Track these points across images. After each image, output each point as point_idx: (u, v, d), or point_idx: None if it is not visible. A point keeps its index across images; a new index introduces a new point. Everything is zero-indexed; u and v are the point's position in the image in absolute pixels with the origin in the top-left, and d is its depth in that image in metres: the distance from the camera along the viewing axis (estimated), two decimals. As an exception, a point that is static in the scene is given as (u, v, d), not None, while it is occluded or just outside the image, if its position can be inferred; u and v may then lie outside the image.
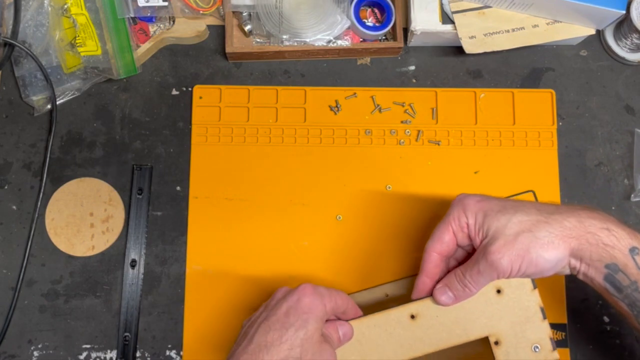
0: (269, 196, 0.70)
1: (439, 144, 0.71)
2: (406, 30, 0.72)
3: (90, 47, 0.68)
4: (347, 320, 0.57)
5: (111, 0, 0.69)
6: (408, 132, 0.71)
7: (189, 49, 0.74)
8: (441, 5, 0.70)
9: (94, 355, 0.67)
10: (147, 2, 0.69)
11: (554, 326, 0.67)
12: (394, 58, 0.74)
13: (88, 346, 0.67)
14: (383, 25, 0.71)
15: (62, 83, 0.71)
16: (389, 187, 0.70)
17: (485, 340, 0.56)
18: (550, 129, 0.72)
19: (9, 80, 0.72)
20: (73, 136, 0.72)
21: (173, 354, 0.67)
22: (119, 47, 0.69)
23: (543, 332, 0.55)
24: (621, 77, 0.73)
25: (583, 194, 0.71)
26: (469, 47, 0.68)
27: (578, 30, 0.70)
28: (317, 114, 0.72)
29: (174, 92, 0.73)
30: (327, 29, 0.70)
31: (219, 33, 0.74)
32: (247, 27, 0.71)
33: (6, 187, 0.70)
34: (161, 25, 0.72)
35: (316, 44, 0.70)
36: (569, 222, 0.52)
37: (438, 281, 0.56)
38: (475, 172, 0.70)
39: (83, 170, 0.71)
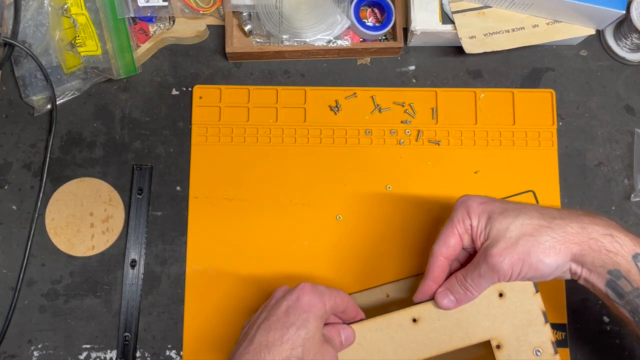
0: (269, 196, 0.70)
1: (439, 144, 0.71)
2: (406, 30, 0.72)
3: (90, 47, 0.68)
4: (347, 321, 0.57)
5: (111, 0, 0.69)
6: (408, 132, 0.71)
7: (189, 49, 0.74)
8: (441, 5, 0.70)
9: (94, 355, 0.67)
10: (147, 2, 0.69)
11: (554, 326, 0.67)
12: (394, 58, 0.74)
13: (88, 346, 0.67)
14: (383, 25, 0.71)
15: (62, 83, 0.71)
16: (389, 187, 0.70)
17: (487, 344, 0.56)
18: (550, 129, 0.72)
19: (9, 80, 0.73)
20: (73, 136, 0.72)
21: (173, 354, 0.67)
22: (119, 47, 0.69)
23: (545, 336, 0.55)
24: (621, 77, 0.74)
25: (583, 194, 0.71)
26: (469, 47, 0.68)
27: (578, 30, 0.70)
28: (317, 114, 0.72)
29: (174, 92, 0.73)
30: (327, 29, 0.70)
31: (219, 33, 0.74)
32: (247, 27, 0.71)
33: (6, 187, 0.70)
34: (161, 25, 0.72)
35: (316, 44, 0.70)
36: (572, 228, 0.52)
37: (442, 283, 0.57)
38: (475, 172, 0.70)
39: (83, 170, 0.71)
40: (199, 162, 0.71)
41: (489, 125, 0.71)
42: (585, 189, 0.71)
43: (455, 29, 0.69)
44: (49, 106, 0.71)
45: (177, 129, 0.72)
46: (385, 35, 0.72)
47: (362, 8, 0.72)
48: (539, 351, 0.55)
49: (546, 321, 0.55)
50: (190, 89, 0.73)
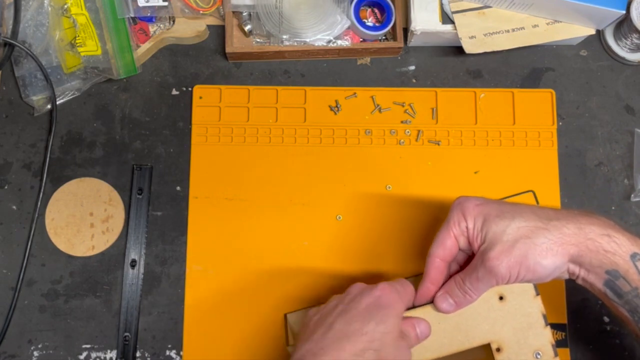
0: (269, 196, 0.70)
1: (439, 144, 0.71)
2: (406, 30, 0.72)
3: (90, 47, 0.68)
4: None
5: (111, 0, 0.69)
6: (408, 132, 0.71)
7: (189, 49, 0.74)
8: (441, 5, 0.70)
9: (94, 355, 0.67)
10: (147, 2, 0.69)
11: (554, 326, 0.67)
12: (394, 58, 0.74)
13: (88, 346, 0.67)
14: (383, 25, 0.71)
15: (62, 83, 0.71)
16: (389, 187, 0.70)
17: (487, 347, 0.56)
18: (550, 129, 0.72)
19: (9, 80, 0.73)
20: (73, 136, 0.72)
21: (173, 354, 0.67)
22: (119, 47, 0.69)
23: (545, 338, 0.55)
24: (621, 77, 0.74)
25: (583, 194, 0.71)
26: (469, 47, 0.68)
27: (578, 30, 0.70)
28: (317, 114, 0.72)
29: (174, 92, 0.73)
30: (327, 29, 0.70)
31: (219, 33, 0.74)
32: (247, 27, 0.71)
33: (6, 187, 0.70)
34: (161, 25, 0.72)
35: (316, 44, 0.70)
36: (568, 229, 0.52)
37: (441, 286, 0.56)
38: (475, 172, 0.70)
39: (83, 170, 0.71)
40: (199, 162, 0.71)
41: (489, 125, 0.71)
42: (585, 189, 0.71)
43: (455, 29, 0.69)
44: (49, 106, 0.71)
45: (177, 129, 0.72)
46: (385, 35, 0.72)
47: (362, 8, 0.72)
48: (539, 354, 0.55)
49: (546, 324, 0.55)
50: (190, 89, 0.73)
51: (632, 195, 0.70)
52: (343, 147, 0.71)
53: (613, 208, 0.70)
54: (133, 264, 0.68)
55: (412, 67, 0.73)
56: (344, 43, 0.71)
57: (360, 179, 0.70)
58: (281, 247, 0.69)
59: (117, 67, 0.69)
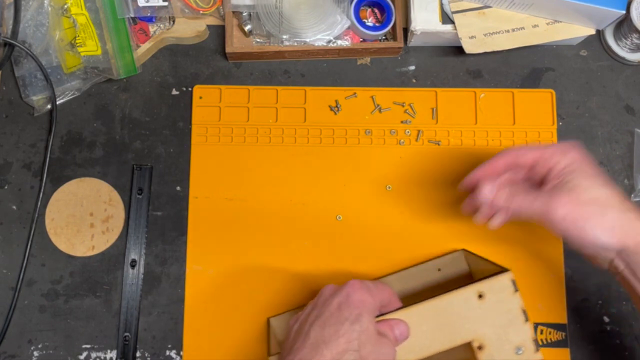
0: (269, 196, 0.70)
1: (439, 144, 0.71)
2: (406, 30, 0.72)
3: (90, 47, 0.69)
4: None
5: (111, 0, 0.69)
6: (408, 132, 0.71)
7: (189, 49, 0.74)
8: (441, 5, 0.70)
9: (94, 355, 0.67)
10: (147, 2, 0.69)
11: (554, 326, 0.67)
12: (394, 58, 0.74)
13: (88, 346, 0.67)
14: (383, 25, 0.71)
15: (62, 83, 0.71)
16: (389, 187, 0.70)
17: (469, 346, 0.55)
18: (550, 129, 0.72)
19: (9, 80, 0.73)
20: (73, 136, 0.72)
21: (173, 354, 0.67)
22: (119, 47, 0.69)
23: (526, 334, 0.55)
24: (621, 77, 0.74)
25: (583, 194, 0.71)
26: (469, 47, 0.68)
27: (578, 30, 0.70)
28: (317, 114, 0.72)
29: (174, 92, 0.73)
30: (327, 29, 0.70)
31: (219, 33, 0.74)
32: (247, 27, 0.71)
33: (6, 187, 0.70)
34: (161, 25, 0.72)
35: (316, 44, 0.70)
36: (638, 225, 0.52)
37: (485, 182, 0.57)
38: (475, 172, 0.70)
39: (83, 170, 0.71)
40: (199, 162, 0.71)
41: (489, 125, 0.71)
42: (585, 189, 0.71)
43: (455, 29, 0.69)
44: (49, 106, 0.71)
45: (177, 129, 0.72)
46: (385, 35, 0.72)
47: (362, 8, 0.72)
48: (520, 350, 0.55)
49: (526, 319, 0.55)
50: (190, 89, 0.73)
51: (632, 195, 0.70)
52: (343, 147, 0.71)
53: (613, 208, 0.70)
54: (133, 264, 0.68)
55: (412, 67, 0.73)
56: (344, 43, 0.71)
57: (360, 179, 0.70)
58: (281, 247, 0.69)
59: (117, 67, 0.69)
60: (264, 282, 0.68)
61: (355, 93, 0.72)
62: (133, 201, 0.70)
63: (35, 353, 0.67)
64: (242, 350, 0.67)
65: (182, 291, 0.68)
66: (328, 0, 0.70)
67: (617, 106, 0.73)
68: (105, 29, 0.69)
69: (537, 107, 0.72)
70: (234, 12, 0.71)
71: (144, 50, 0.71)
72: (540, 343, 0.67)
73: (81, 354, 0.67)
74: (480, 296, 0.55)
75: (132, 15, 0.70)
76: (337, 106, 0.72)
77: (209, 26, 0.73)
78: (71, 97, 0.72)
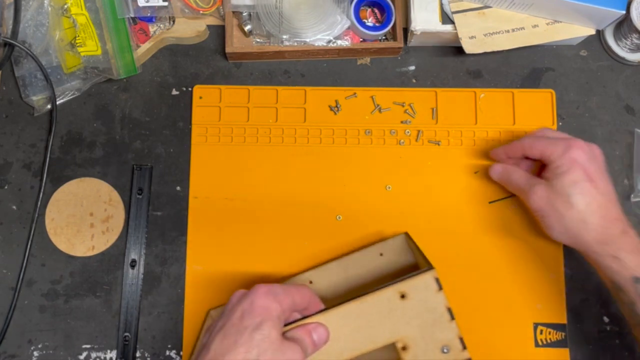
0: (269, 196, 0.70)
1: (439, 144, 0.71)
2: (406, 30, 0.72)
3: (90, 47, 0.69)
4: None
5: (111, 0, 0.69)
6: (408, 132, 0.71)
7: (189, 49, 0.74)
8: (441, 5, 0.70)
9: (94, 355, 0.67)
10: (147, 2, 0.69)
11: (554, 326, 0.67)
12: (394, 58, 0.74)
13: (88, 346, 0.67)
14: (383, 25, 0.71)
15: (62, 83, 0.71)
16: (389, 187, 0.70)
17: (394, 346, 0.54)
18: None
19: (9, 80, 0.73)
20: (73, 136, 0.72)
21: (173, 354, 0.67)
22: (119, 47, 0.69)
23: (452, 332, 0.54)
24: (621, 77, 0.74)
25: (583, 194, 0.71)
26: (469, 47, 0.68)
27: (578, 30, 0.70)
28: (317, 114, 0.72)
29: (174, 92, 0.73)
30: (327, 29, 0.70)
31: (219, 33, 0.74)
32: (247, 27, 0.71)
33: (6, 187, 0.70)
34: (161, 25, 0.72)
35: (316, 44, 0.70)
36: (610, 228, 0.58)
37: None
38: (476, 172, 0.70)
39: (83, 170, 0.71)
40: (199, 162, 0.71)
41: (489, 125, 0.71)
42: (585, 189, 0.71)
43: (455, 29, 0.69)
44: (49, 106, 0.71)
45: (177, 129, 0.72)
46: (385, 35, 0.72)
47: (362, 8, 0.72)
48: (446, 348, 0.54)
49: (452, 318, 0.54)
50: (190, 89, 0.73)
51: (632, 195, 0.70)
52: (343, 147, 0.71)
53: (613, 208, 0.70)
54: (133, 264, 0.69)
55: (412, 67, 0.73)
56: (344, 43, 0.71)
57: (360, 179, 0.70)
58: (281, 247, 0.69)
59: (117, 67, 0.69)
60: (264, 282, 0.68)
61: (355, 93, 0.72)
62: (133, 201, 0.70)
63: (35, 353, 0.67)
64: (242, 350, 0.67)
65: (182, 291, 0.68)
66: (328, 0, 0.70)
67: (617, 106, 0.73)
68: (105, 29, 0.69)
69: (537, 107, 0.72)
70: (234, 12, 0.71)
71: (144, 50, 0.71)
72: (540, 343, 0.67)
73: (81, 354, 0.67)
74: (402, 296, 0.54)
75: (132, 15, 0.70)
76: (337, 106, 0.72)
77: (209, 26, 0.73)
78: (71, 97, 0.72)
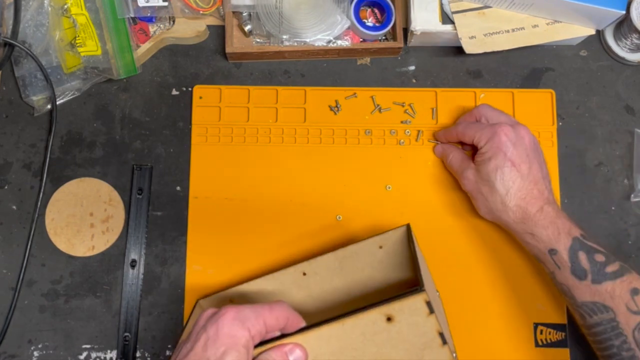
0: (269, 196, 0.70)
1: (439, 144, 0.71)
2: (406, 30, 0.72)
3: (90, 47, 0.68)
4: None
5: (111, 0, 0.69)
6: (408, 132, 0.71)
7: (189, 49, 0.74)
8: (441, 5, 0.70)
9: (94, 355, 0.67)
10: (147, 2, 0.69)
11: (554, 326, 0.67)
12: (394, 58, 0.74)
13: (88, 346, 0.67)
14: (383, 25, 0.71)
15: (62, 83, 0.71)
16: (389, 187, 0.70)
17: None
18: (550, 129, 0.72)
19: (9, 80, 0.73)
20: (73, 136, 0.72)
21: (173, 354, 0.67)
22: (119, 47, 0.69)
23: (443, 357, 0.51)
24: (621, 77, 0.74)
25: (583, 194, 0.71)
26: (469, 47, 0.68)
27: (578, 30, 0.70)
28: (317, 114, 0.72)
29: (174, 92, 0.73)
30: (327, 29, 0.70)
31: (219, 33, 0.74)
32: (247, 27, 0.71)
33: (6, 187, 0.70)
34: (161, 25, 0.72)
35: (316, 44, 0.70)
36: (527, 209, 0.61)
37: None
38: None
39: (83, 170, 0.71)
40: (199, 162, 0.71)
41: (489, 125, 0.71)
42: (585, 189, 0.71)
43: (455, 29, 0.69)
44: (49, 106, 0.71)
45: (177, 129, 0.72)
46: (385, 35, 0.72)
47: (362, 8, 0.72)
48: None
49: (444, 342, 0.51)
50: (190, 89, 0.73)
51: (632, 195, 0.70)
52: (343, 147, 0.71)
53: (613, 208, 0.70)
54: (133, 264, 0.68)
55: (412, 67, 0.73)
56: (344, 43, 0.71)
57: (360, 179, 0.70)
58: (281, 247, 0.69)
59: (117, 67, 0.69)
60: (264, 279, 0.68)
61: (355, 93, 0.72)
62: (133, 201, 0.70)
63: (35, 353, 0.67)
64: (242, 350, 0.67)
65: (182, 291, 0.68)
66: (328, 0, 0.70)
67: (617, 106, 0.73)
68: (105, 29, 0.69)
69: (537, 107, 0.72)
70: (234, 12, 0.71)
71: (144, 50, 0.71)
72: (540, 343, 0.67)
73: (81, 354, 0.67)
74: (389, 319, 0.50)
75: (132, 15, 0.70)
76: (337, 106, 0.72)
77: (209, 26, 0.73)
78: (71, 97, 0.72)
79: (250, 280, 0.64)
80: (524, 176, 0.61)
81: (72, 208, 0.70)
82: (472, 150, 0.68)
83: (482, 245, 0.69)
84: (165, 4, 0.70)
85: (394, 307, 0.50)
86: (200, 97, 0.72)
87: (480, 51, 0.68)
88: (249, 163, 0.71)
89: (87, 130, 0.72)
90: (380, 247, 0.63)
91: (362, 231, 0.69)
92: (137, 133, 0.72)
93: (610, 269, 0.58)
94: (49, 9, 0.70)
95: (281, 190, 0.70)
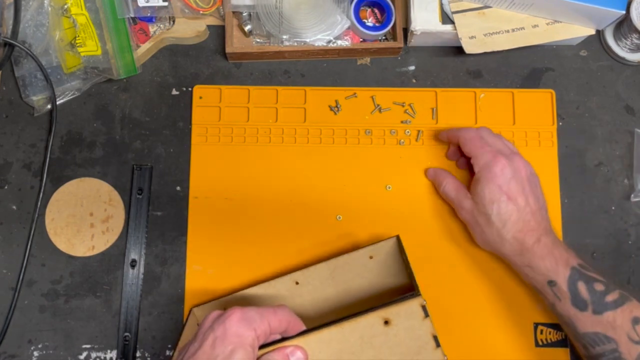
0: (269, 196, 0.70)
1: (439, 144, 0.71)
2: (406, 30, 0.72)
3: (90, 47, 0.69)
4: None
5: (111, 0, 0.69)
6: (408, 132, 0.71)
7: (189, 49, 0.74)
8: (441, 5, 0.70)
9: (94, 355, 0.67)
10: (147, 2, 0.69)
11: (554, 326, 0.67)
12: (394, 58, 0.74)
13: (88, 346, 0.67)
14: (383, 25, 0.71)
15: (62, 83, 0.71)
16: (389, 187, 0.70)
17: None
18: (550, 129, 0.72)
19: (9, 80, 0.73)
20: (73, 136, 0.72)
21: (173, 353, 0.67)
22: (119, 47, 0.69)
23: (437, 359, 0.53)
24: (621, 77, 0.74)
25: (583, 194, 0.71)
26: (469, 47, 0.68)
27: (578, 30, 0.70)
28: (317, 114, 0.72)
29: (174, 92, 0.73)
30: (327, 29, 0.70)
31: (219, 33, 0.74)
32: (247, 27, 0.71)
33: (6, 187, 0.70)
34: (161, 25, 0.72)
35: (316, 44, 0.70)
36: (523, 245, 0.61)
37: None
38: (475, 172, 0.70)
39: (83, 170, 0.71)
40: (199, 162, 0.71)
41: (489, 125, 0.71)
42: (585, 189, 0.71)
43: (455, 29, 0.69)
44: (49, 106, 0.71)
45: (177, 129, 0.72)
46: (385, 35, 0.72)
47: (362, 8, 0.72)
48: None
49: (437, 345, 0.53)
50: (190, 89, 0.73)
51: (632, 195, 0.70)
52: (343, 147, 0.71)
53: (613, 208, 0.70)
54: (133, 264, 0.69)
55: (412, 67, 0.73)
56: (344, 43, 0.71)
57: (360, 179, 0.70)
58: (281, 247, 0.69)
59: (117, 67, 0.69)
60: (263, 282, 0.68)
61: (355, 93, 0.72)
62: (133, 201, 0.70)
63: (35, 353, 0.67)
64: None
65: (182, 291, 0.68)
66: (328, 0, 0.70)
67: (617, 106, 0.73)
68: (105, 29, 0.69)
69: (537, 107, 0.72)
70: (234, 12, 0.71)
71: (144, 50, 0.71)
72: (540, 343, 0.67)
73: (81, 354, 0.67)
74: (386, 322, 0.53)
75: (132, 15, 0.70)
76: (337, 106, 0.72)
77: (209, 26, 0.73)
78: (71, 97, 0.72)
79: (244, 288, 0.66)
80: (520, 209, 0.61)
81: (72, 208, 0.70)
82: (465, 159, 0.68)
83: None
84: (165, 4, 0.70)
85: (392, 311, 0.53)
86: (200, 97, 0.72)
87: (480, 51, 0.68)
88: (249, 163, 0.71)
89: (87, 130, 0.72)
90: (371, 258, 0.65)
91: (362, 231, 0.69)
92: (137, 133, 0.72)
93: (610, 297, 0.57)
94: (49, 9, 0.70)
95: (281, 190, 0.70)
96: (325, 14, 0.70)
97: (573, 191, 0.71)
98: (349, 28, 0.71)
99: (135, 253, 0.69)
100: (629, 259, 0.69)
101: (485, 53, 0.69)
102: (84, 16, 0.68)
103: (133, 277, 0.68)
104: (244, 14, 0.71)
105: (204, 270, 0.68)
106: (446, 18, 0.69)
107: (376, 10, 0.73)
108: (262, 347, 0.51)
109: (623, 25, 0.71)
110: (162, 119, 0.72)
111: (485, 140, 0.64)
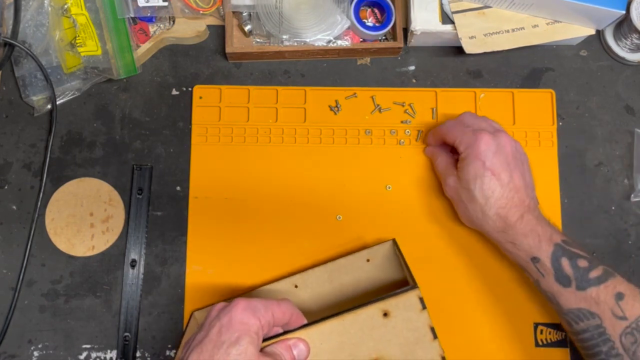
0: (269, 196, 0.70)
1: (439, 144, 0.71)
2: (406, 30, 0.72)
3: (90, 47, 0.69)
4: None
5: (111, 0, 0.69)
6: (408, 132, 0.71)
7: (189, 49, 0.74)
8: (441, 5, 0.70)
9: (94, 355, 0.67)
10: (147, 2, 0.69)
11: (554, 326, 0.67)
12: (394, 58, 0.74)
13: (88, 346, 0.67)
14: (383, 25, 0.71)
15: (62, 83, 0.71)
16: (389, 187, 0.70)
17: None
18: (550, 129, 0.72)
19: (9, 80, 0.73)
20: (73, 136, 0.72)
21: (173, 354, 0.67)
22: (119, 47, 0.69)
23: (434, 351, 0.54)
24: (621, 77, 0.74)
25: (583, 194, 0.71)
26: (469, 47, 0.68)
27: (578, 30, 0.70)
28: (317, 114, 0.72)
29: (174, 92, 0.73)
30: (327, 29, 0.70)
31: (219, 33, 0.74)
32: (247, 27, 0.71)
33: (6, 187, 0.70)
34: (161, 25, 0.72)
35: (316, 44, 0.70)
36: (508, 217, 0.60)
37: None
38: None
39: (83, 170, 0.71)
40: (199, 162, 0.71)
41: (489, 125, 0.71)
42: (585, 189, 0.71)
43: (455, 29, 0.69)
44: (49, 106, 0.71)
45: (177, 129, 0.72)
46: (385, 35, 0.72)
47: (362, 8, 0.72)
48: None
49: (435, 337, 0.54)
50: (190, 89, 0.73)
51: (632, 195, 0.70)
52: (343, 147, 0.71)
53: (613, 208, 0.70)
54: (133, 264, 0.69)
55: (412, 67, 0.73)
56: (344, 43, 0.71)
57: (360, 179, 0.70)
58: (281, 247, 0.69)
59: (117, 67, 0.69)
60: (264, 282, 0.68)
61: (355, 93, 0.72)
62: (133, 201, 0.70)
63: (35, 353, 0.67)
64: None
65: (182, 291, 0.68)
66: (328, 0, 0.70)
67: (617, 106, 0.73)
68: (105, 29, 0.69)
69: (537, 107, 0.72)
70: (234, 12, 0.71)
71: (144, 50, 0.71)
72: (540, 343, 0.67)
73: (81, 354, 0.67)
74: (385, 314, 0.54)
75: (132, 15, 0.70)
76: (337, 106, 0.72)
77: (209, 26, 0.73)
78: (71, 97, 0.72)
79: (244, 288, 0.66)
80: (503, 185, 0.60)
81: (72, 208, 0.70)
82: (448, 158, 0.68)
83: (483, 244, 0.69)
84: (165, 4, 0.70)
85: (390, 303, 0.54)
86: (200, 97, 0.72)
87: (480, 51, 0.68)
88: (249, 163, 0.71)
89: (87, 130, 0.72)
90: (368, 260, 0.66)
91: (362, 231, 0.69)
92: (137, 133, 0.72)
93: (594, 274, 0.57)
94: (49, 9, 0.70)
95: (281, 190, 0.70)
96: (325, 14, 0.70)
97: (573, 191, 0.71)
98: (349, 28, 0.71)
99: (135, 253, 0.69)
100: (629, 259, 0.69)
101: (485, 53, 0.69)
102: (84, 16, 0.68)
103: (133, 277, 0.68)
104: (244, 14, 0.71)
105: (204, 270, 0.68)
106: (446, 18, 0.69)
107: (376, 10, 0.73)
108: (264, 340, 0.52)
109: (623, 25, 0.71)
110: (162, 119, 0.72)
111: (467, 123, 0.64)
